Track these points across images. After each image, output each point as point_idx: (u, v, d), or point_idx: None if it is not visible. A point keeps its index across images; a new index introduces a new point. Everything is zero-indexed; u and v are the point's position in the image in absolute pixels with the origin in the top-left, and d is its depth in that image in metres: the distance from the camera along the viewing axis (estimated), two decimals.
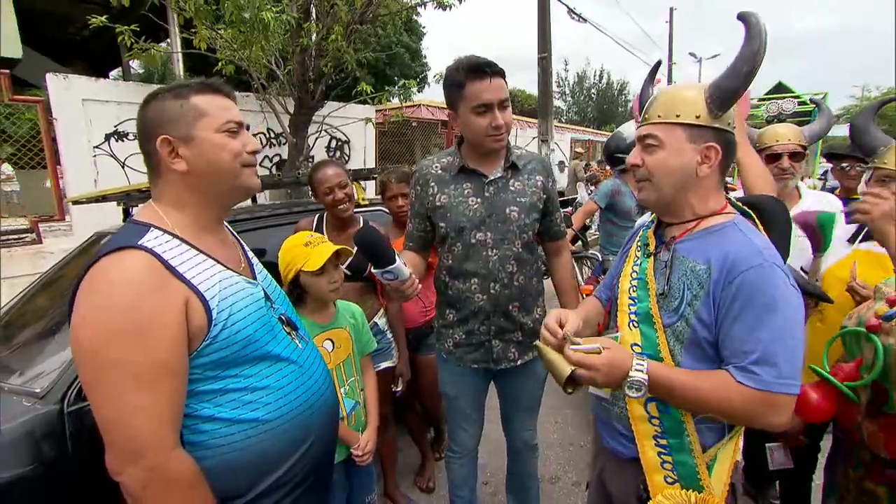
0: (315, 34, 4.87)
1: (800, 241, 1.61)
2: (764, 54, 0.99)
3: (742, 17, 1.03)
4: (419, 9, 5.81)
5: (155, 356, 0.85)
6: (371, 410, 1.70)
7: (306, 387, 1.09)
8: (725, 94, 1.00)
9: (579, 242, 4.88)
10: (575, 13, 9.67)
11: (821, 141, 2.01)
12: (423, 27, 15.60)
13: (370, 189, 3.40)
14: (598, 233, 4.30)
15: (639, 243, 1.21)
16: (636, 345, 1.08)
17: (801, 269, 1.67)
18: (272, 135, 6.38)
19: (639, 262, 1.17)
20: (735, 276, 0.94)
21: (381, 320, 2.05)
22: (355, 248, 1.31)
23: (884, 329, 1.05)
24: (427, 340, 2.27)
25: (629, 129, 3.24)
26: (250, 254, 1.17)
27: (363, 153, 7.68)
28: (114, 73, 12.29)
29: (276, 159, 6.47)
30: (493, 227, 1.55)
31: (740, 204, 1.13)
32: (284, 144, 5.91)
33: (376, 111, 7.45)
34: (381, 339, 2.03)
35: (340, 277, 1.58)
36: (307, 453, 1.07)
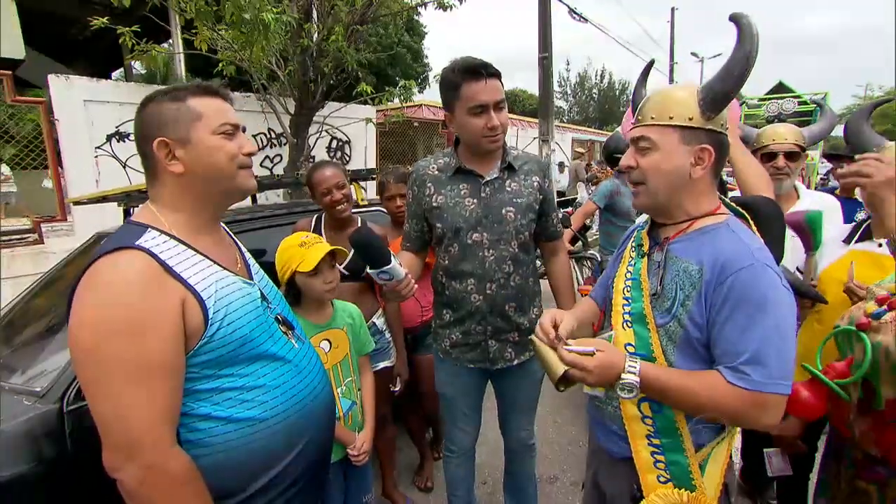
0: (316, 35, 4.88)
1: (794, 242, 1.61)
2: (756, 56, 0.99)
3: (734, 18, 1.03)
4: (420, 9, 5.82)
5: (152, 355, 0.86)
6: (368, 410, 1.71)
7: (302, 386, 1.10)
8: (718, 95, 1.01)
9: (579, 243, 4.88)
10: (576, 13, 9.65)
11: (823, 141, 2.01)
12: (425, 27, 15.60)
13: (370, 189, 3.40)
14: (598, 233, 4.30)
15: (633, 244, 1.22)
16: (629, 345, 1.09)
17: (797, 269, 1.67)
18: (273, 135, 6.39)
19: (633, 262, 1.18)
20: (727, 277, 0.95)
21: (379, 320, 2.06)
22: (352, 249, 1.32)
23: (872, 327, 1.06)
24: (425, 340, 2.28)
25: None
26: (247, 254, 1.18)
27: (364, 153, 7.69)
28: (116, 73, 12.33)
29: (276, 160, 6.49)
30: (489, 227, 1.55)
31: (734, 205, 1.14)
32: (285, 145, 5.93)
33: (377, 111, 7.46)
34: (380, 339, 2.04)
35: (336, 278, 1.59)
36: (303, 452, 1.08)
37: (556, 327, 1.07)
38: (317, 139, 6.34)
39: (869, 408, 1.11)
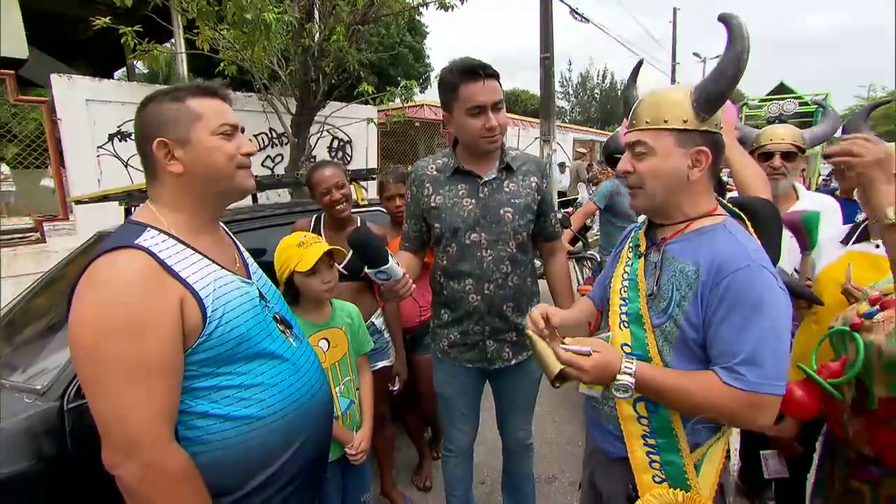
0: (317, 34, 4.89)
1: (791, 243, 1.61)
2: (748, 56, 0.99)
3: (724, 19, 1.02)
4: (421, 9, 5.82)
5: (151, 353, 0.87)
6: (366, 410, 1.72)
7: (300, 384, 1.11)
8: (712, 96, 1.01)
9: (580, 243, 4.89)
10: (577, 13, 9.64)
11: (826, 142, 2.00)
12: (426, 26, 15.60)
13: (372, 189, 3.41)
14: (599, 233, 4.30)
15: (630, 244, 1.22)
16: (626, 345, 1.09)
17: (795, 270, 1.68)
18: (274, 135, 6.39)
19: (630, 263, 1.18)
20: (723, 278, 0.95)
21: (378, 320, 2.07)
22: (351, 249, 1.33)
23: (865, 326, 1.07)
24: (424, 340, 2.29)
25: None
26: (245, 253, 1.19)
27: (365, 153, 7.69)
28: (118, 73, 12.37)
29: (278, 159, 6.50)
30: (487, 227, 1.56)
31: (731, 206, 1.14)
32: (286, 144, 5.94)
33: (379, 111, 7.46)
34: (378, 338, 2.05)
35: (334, 277, 1.59)
36: (300, 450, 1.09)
37: (546, 321, 1.08)
38: (318, 139, 6.35)
39: (862, 408, 1.12)
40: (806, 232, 1.53)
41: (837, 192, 2.64)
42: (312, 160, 5.75)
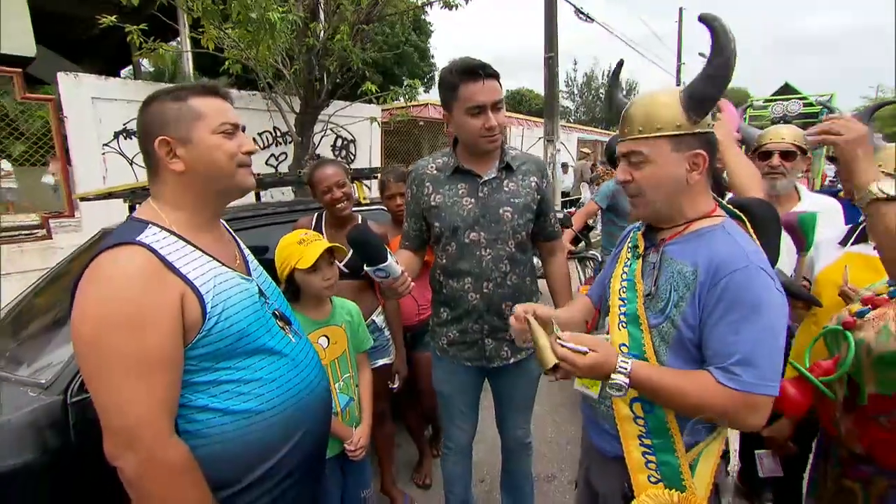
0: (321, 34, 4.91)
1: (790, 244, 1.61)
2: (736, 60, 0.99)
3: (705, 20, 1.01)
4: (426, 8, 5.83)
5: (151, 349, 0.89)
6: (365, 406, 1.73)
7: (298, 380, 1.12)
8: (703, 99, 1.01)
9: (582, 243, 4.89)
10: (582, 13, 9.63)
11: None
12: (431, 25, 15.61)
13: (374, 188, 3.43)
14: (601, 233, 4.30)
15: (629, 245, 1.22)
16: (624, 345, 1.10)
17: (794, 271, 1.68)
18: (278, 133, 6.42)
19: (629, 263, 1.18)
20: (721, 278, 0.96)
21: (378, 318, 2.08)
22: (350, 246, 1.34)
23: (857, 325, 1.07)
24: (424, 338, 2.30)
25: None
26: (246, 250, 1.21)
27: (369, 152, 7.71)
28: (125, 71, 12.46)
29: (282, 158, 6.53)
30: (486, 227, 1.57)
31: (731, 207, 1.14)
32: (290, 143, 5.96)
33: (383, 110, 7.48)
34: (379, 336, 2.06)
35: (334, 274, 1.61)
36: (298, 445, 1.10)
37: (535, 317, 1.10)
38: (322, 138, 6.36)
39: (854, 405, 1.13)
40: (802, 233, 1.53)
41: (841, 194, 2.63)
42: (316, 159, 5.77)
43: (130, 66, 12.02)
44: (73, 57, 9.90)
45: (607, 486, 1.20)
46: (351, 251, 1.84)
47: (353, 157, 7.54)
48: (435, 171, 1.64)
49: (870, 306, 1.09)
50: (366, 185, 2.98)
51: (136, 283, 0.89)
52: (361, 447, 1.65)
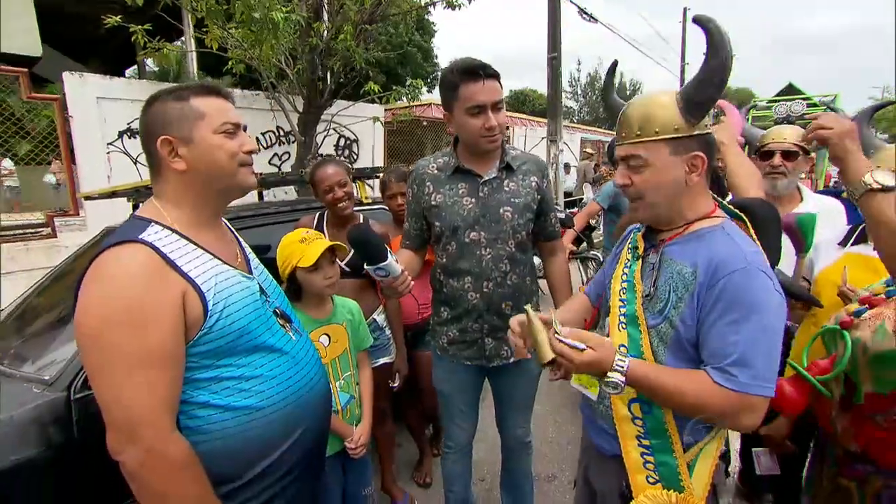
0: (325, 33, 4.92)
1: (787, 244, 1.61)
2: (732, 61, 0.98)
3: (699, 22, 1.01)
4: (429, 8, 5.83)
5: (153, 346, 0.90)
6: (366, 404, 1.74)
7: (298, 377, 1.13)
8: (700, 101, 1.01)
9: (584, 244, 4.89)
10: (586, 13, 9.60)
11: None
12: (434, 25, 15.62)
13: (376, 188, 3.43)
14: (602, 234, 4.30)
15: (629, 246, 1.22)
16: (623, 346, 1.10)
17: (793, 272, 1.67)
18: (281, 133, 6.44)
19: (628, 264, 1.18)
20: (719, 279, 0.96)
21: (379, 317, 2.09)
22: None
23: (854, 325, 1.08)
24: (425, 337, 2.31)
25: None
26: (247, 249, 1.22)
27: (372, 152, 7.73)
28: (130, 70, 12.54)
29: (285, 157, 6.55)
30: (486, 226, 1.58)
31: (732, 207, 1.14)
32: (293, 143, 5.98)
33: (386, 110, 7.49)
34: (380, 335, 2.07)
35: (336, 273, 1.62)
36: (298, 441, 1.11)
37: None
38: (325, 137, 6.38)
39: (850, 404, 1.13)
40: (801, 235, 1.53)
41: (844, 194, 2.62)
42: (319, 158, 5.79)
43: (135, 66, 12.10)
44: (78, 57, 9.97)
45: (605, 484, 1.21)
46: (352, 251, 1.85)
47: (355, 157, 7.55)
48: (435, 171, 1.65)
49: (867, 306, 1.09)
50: (368, 185, 3.00)
51: (139, 280, 0.90)
52: (362, 445, 1.66)
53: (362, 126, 7.15)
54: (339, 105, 6.14)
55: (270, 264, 1.43)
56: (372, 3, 4.88)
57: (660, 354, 1.05)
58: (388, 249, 1.34)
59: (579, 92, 31.28)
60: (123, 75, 10.31)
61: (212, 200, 1.08)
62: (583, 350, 0.98)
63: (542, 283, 1.77)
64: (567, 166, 10.79)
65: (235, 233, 1.23)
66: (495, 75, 1.48)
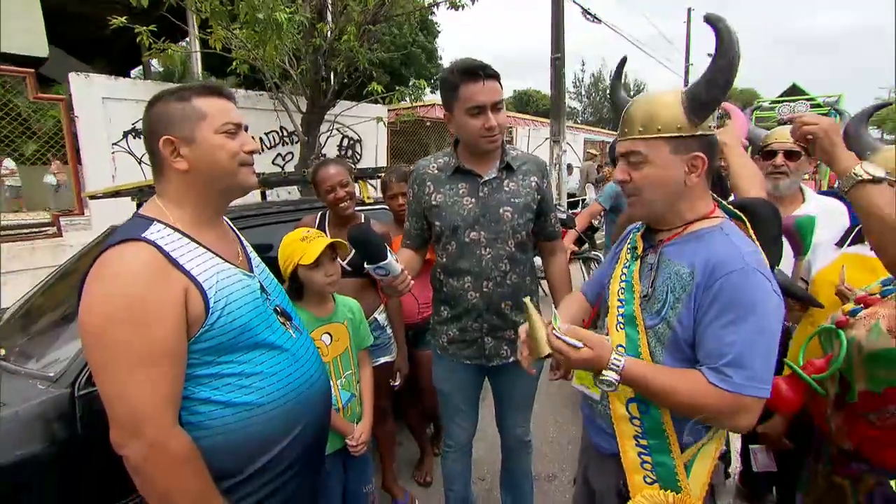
0: (328, 34, 4.94)
1: (788, 247, 1.61)
2: (739, 60, 0.98)
3: (710, 21, 1.01)
4: (433, 9, 5.84)
5: (155, 343, 0.91)
6: (367, 403, 1.75)
7: (298, 374, 1.14)
8: (705, 101, 1.00)
9: (586, 245, 4.88)
10: (589, 14, 9.61)
11: None
12: (438, 25, 15.64)
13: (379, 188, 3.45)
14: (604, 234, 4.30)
15: (628, 246, 1.23)
16: (621, 346, 1.10)
17: (792, 274, 1.67)
18: (285, 133, 6.47)
19: (627, 264, 1.19)
20: (717, 279, 0.96)
21: (380, 316, 2.11)
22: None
23: (849, 324, 1.08)
24: (426, 336, 2.32)
25: None
26: (248, 248, 1.23)
27: (375, 152, 7.75)
28: (135, 71, 12.61)
29: (288, 157, 6.58)
30: (486, 226, 1.58)
31: (732, 207, 1.14)
32: (297, 143, 6.01)
33: (389, 110, 7.51)
34: (381, 334, 2.08)
35: (337, 271, 1.63)
36: (298, 437, 1.13)
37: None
38: (328, 137, 6.40)
39: (844, 402, 1.13)
40: (799, 237, 1.53)
41: None
42: (322, 158, 5.82)
43: (140, 67, 12.17)
44: (84, 57, 10.03)
45: (603, 482, 1.21)
46: (353, 250, 1.86)
47: (359, 157, 7.57)
48: (436, 171, 1.66)
49: (862, 305, 1.09)
50: (370, 185, 3.01)
51: (141, 278, 0.91)
52: (363, 443, 1.68)
53: (366, 126, 7.16)
54: (342, 105, 6.16)
55: (273, 263, 1.44)
56: (375, 3, 4.90)
57: (657, 355, 1.05)
58: (388, 249, 1.35)
59: (583, 93, 31.23)
60: (129, 76, 10.37)
61: (213, 200, 1.09)
62: (580, 348, 0.99)
63: (543, 283, 1.77)
64: (570, 167, 10.79)
65: (237, 232, 1.24)
66: (495, 76, 1.49)
